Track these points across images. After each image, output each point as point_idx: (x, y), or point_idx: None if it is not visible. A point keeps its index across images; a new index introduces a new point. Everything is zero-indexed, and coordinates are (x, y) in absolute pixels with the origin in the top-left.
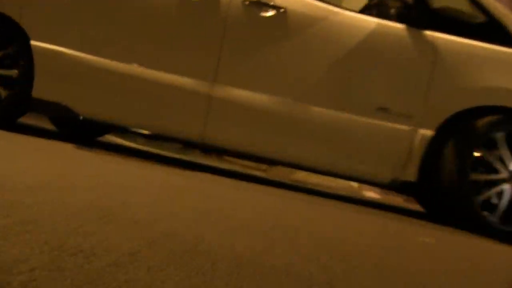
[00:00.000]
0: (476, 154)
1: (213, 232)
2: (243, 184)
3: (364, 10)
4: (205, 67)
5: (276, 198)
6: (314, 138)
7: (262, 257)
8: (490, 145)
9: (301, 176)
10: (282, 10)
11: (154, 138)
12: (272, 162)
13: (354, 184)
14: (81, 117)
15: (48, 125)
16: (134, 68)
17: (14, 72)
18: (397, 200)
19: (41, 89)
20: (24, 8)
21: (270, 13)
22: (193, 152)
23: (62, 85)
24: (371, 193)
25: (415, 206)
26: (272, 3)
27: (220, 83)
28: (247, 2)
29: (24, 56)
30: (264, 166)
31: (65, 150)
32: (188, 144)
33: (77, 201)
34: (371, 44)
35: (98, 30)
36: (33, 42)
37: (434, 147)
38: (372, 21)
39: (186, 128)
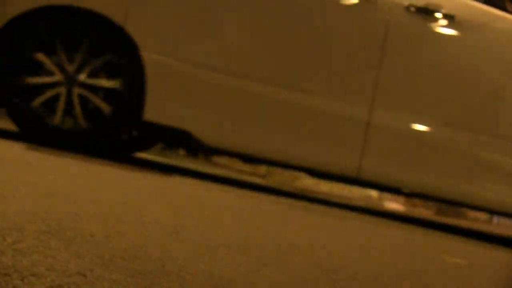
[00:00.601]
0: None
1: (185, 250)
2: (234, 191)
3: None
4: (360, 88)
5: (273, 209)
6: (497, 177)
7: (243, 280)
8: None
9: (307, 184)
10: (452, 18)
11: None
12: (443, 202)
13: (374, 194)
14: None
15: None
16: (276, 91)
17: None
18: (426, 212)
19: (155, 112)
20: (132, 8)
21: (441, 22)
22: (176, 154)
23: (184, 107)
24: (394, 204)
25: (448, 220)
26: (443, 10)
27: (379, 108)
28: (412, 9)
29: (128, 71)
30: (263, 171)
31: (13, 151)
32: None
33: (16, 212)
34: None
35: (234, 42)
36: (145, 54)
37: None
38: None
39: (338, 161)
